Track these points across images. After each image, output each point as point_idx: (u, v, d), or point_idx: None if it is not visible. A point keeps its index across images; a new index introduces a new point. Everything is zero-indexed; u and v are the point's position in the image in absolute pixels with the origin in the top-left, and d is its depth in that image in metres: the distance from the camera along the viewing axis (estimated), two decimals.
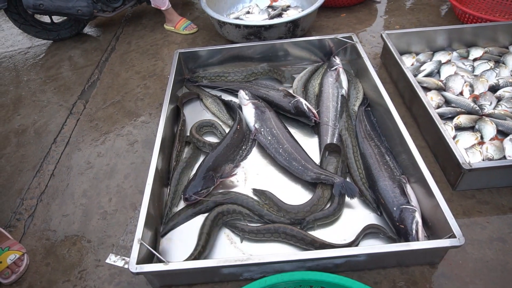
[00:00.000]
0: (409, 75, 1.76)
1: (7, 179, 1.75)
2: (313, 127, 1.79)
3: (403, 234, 1.25)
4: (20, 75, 2.46)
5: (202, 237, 1.30)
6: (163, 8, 2.58)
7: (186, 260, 1.24)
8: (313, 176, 1.48)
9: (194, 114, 1.93)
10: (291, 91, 1.92)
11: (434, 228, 1.27)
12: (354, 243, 1.27)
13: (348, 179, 1.51)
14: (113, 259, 1.38)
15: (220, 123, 1.83)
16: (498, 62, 2.01)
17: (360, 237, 1.29)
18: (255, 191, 1.49)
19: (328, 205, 1.42)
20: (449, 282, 1.21)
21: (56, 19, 2.72)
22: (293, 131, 1.77)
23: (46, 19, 2.71)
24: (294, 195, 1.50)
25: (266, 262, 1.14)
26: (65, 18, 2.69)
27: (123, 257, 1.38)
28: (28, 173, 1.77)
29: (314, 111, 1.73)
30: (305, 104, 1.74)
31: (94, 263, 1.39)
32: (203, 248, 1.27)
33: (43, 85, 2.34)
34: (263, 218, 1.38)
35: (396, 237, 1.29)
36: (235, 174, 1.57)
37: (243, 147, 1.71)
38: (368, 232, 1.32)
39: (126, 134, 1.90)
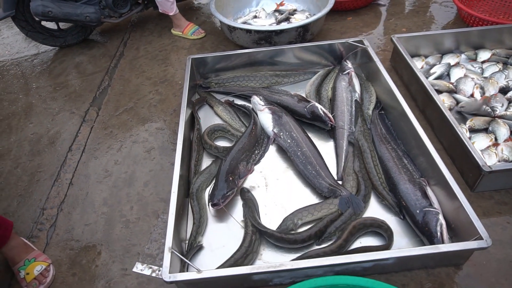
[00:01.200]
0: (423, 78, 1.79)
1: (24, 188, 1.75)
2: (329, 131, 1.81)
3: (428, 237, 1.27)
4: (29, 83, 2.45)
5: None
6: (171, 14, 2.59)
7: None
8: (323, 184, 1.51)
9: (207, 120, 1.93)
10: (303, 95, 1.94)
11: (457, 229, 1.30)
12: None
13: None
14: (140, 268, 1.40)
15: (231, 129, 1.85)
16: (506, 64, 2.06)
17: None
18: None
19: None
20: (475, 283, 1.24)
21: (63, 25, 2.71)
22: (309, 135, 1.79)
23: (52, 25, 2.70)
24: (313, 200, 1.52)
25: (298, 268, 1.16)
26: (72, 24, 2.68)
27: (150, 266, 1.40)
28: (46, 182, 1.77)
29: (330, 115, 1.76)
30: (321, 109, 1.76)
31: (120, 272, 1.39)
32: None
33: (53, 93, 2.33)
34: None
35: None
36: (252, 171, 1.59)
37: (256, 152, 1.72)
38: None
39: (142, 141, 1.90)
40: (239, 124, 1.88)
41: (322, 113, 1.75)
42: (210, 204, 1.43)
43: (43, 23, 2.63)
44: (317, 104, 1.79)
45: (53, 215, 1.62)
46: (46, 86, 2.40)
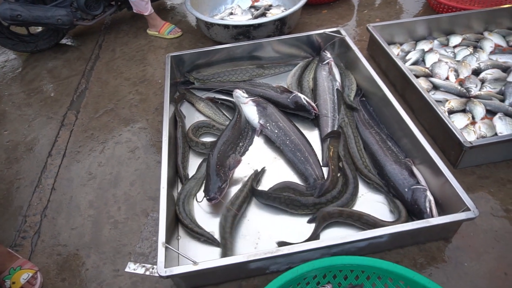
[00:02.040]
0: (401, 64, 1.84)
1: (4, 197, 1.67)
2: (313, 120, 1.83)
3: (418, 213, 1.31)
4: (1, 90, 2.35)
5: (226, 235, 1.32)
6: (146, 14, 2.55)
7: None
8: (309, 171, 1.53)
9: (189, 117, 1.91)
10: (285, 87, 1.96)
11: (444, 205, 1.34)
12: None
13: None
14: (132, 267, 1.37)
15: (216, 123, 1.83)
16: (476, 47, 2.14)
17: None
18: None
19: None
20: (464, 254, 1.28)
21: (33, 30, 2.62)
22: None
23: (22, 30, 2.60)
24: None
25: (295, 252, 1.16)
26: (43, 28, 2.60)
27: (143, 264, 1.37)
28: (26, 189, 1.70)
29: (313, 104, 1.77)
30: (304, 98, 1.78)
31: (112, 274, 1.35)
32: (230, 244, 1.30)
33: (28, 99, 2.24)
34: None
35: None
36: (241, 161, 1.57)
37: (240, 144, 1.72)
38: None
39: (125, 141, 1.86)
40: (223, 118, 1.87)
41: (305, 102, 1.76)
42: (206, 198, 1.41)
43: (12, 28, 2.53)
44: (300, 94, 1.80)
45: (37, 221, 1.56)
46: (19, 92, 2.31)
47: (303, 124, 1.81)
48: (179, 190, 1.54)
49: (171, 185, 1.48)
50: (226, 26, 2.23)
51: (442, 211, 1.34)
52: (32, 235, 1.51)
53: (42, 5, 2.40)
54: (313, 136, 1.75)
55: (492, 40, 2.14)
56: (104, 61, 2.48)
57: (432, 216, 1.26)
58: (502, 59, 2.01)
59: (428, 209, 1.28)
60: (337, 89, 1.89)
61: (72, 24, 2.47)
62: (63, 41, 2.76)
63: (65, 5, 2.45)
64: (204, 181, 1.51)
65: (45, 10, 2.35)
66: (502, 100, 1.78)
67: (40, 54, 2.64)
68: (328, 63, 2.00)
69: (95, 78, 2.34)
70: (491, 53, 2.08)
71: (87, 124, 2.00)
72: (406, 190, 1.38)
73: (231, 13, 2.66)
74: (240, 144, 1.73)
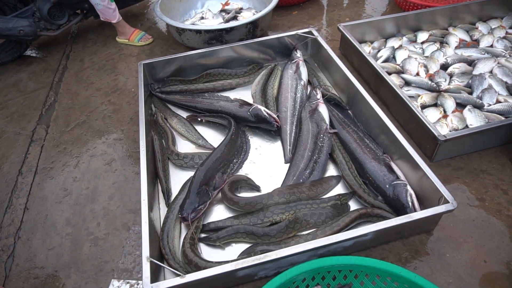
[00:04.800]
0: (373, 62, 1.87)
1: None
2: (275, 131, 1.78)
3: (400, 208, 1.33)
4: None
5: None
6: (114, 21, 2.48)
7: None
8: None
9: None
10: (247, 97, 1.95)
11: (423, 198, 1.37)
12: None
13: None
14: (116, 285, 1.33)
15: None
16: (442, 42, 2.22)
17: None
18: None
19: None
20: (446, 244, 1.32)
21: None
22: (254, 136, 1.80)
23: None
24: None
25: (283, 257, 1.15)
26: (4, 40, 2.48)
27: (128, 280, 1.33)
28: None
29: (275, 116, 1.72)
30: (264, 110, 1.73)
31: None
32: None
33: None
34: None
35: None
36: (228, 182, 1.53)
37: (234, 160, 1.66)
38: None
39: (100, 154, 1.80)
40: (196, 136, 1.77)
41: (266, 114, 1.71)
42: (179, 216, 1.37)
43: None
44: (259, 106, 1.75)
45: (10, 244, 1.48)
46: None
47: (266, 135, 1.79)
48: (165, 214, 1.45)
49: (151, 196, 1.44)
50: (198, 31, 2.21)
51: (421, 205, 1.37)
52: (5, 259, 1.43)
53: (2, 16, 2.29)
54: (275, 146, 1.74)
55: (456, 35, 2.22)
56: (73, 72, 2.39)
57: (415, 210, 1.29)
58: (466, 53, 2.09)
59: (410, 203, 1.31)
60: (301, 85, 1.89)
61: (35, 35, 2.37)
62: (27, 52, 2.65)
63: (27, 15, 2.35)
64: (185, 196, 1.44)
65: (6, 21, 2.25)
66: (470, 93, 1.85)
67: (3, 67, 2.51)
68: (296, 62, 2.01)
69: (64, 90, 2.25)
70: (457, 47, 2.16)
71: (59, 138, 1.92)
72: (387, 186, 1.40)
73: (202, 18, 2.63)
74: (234, 161, 1.65)
